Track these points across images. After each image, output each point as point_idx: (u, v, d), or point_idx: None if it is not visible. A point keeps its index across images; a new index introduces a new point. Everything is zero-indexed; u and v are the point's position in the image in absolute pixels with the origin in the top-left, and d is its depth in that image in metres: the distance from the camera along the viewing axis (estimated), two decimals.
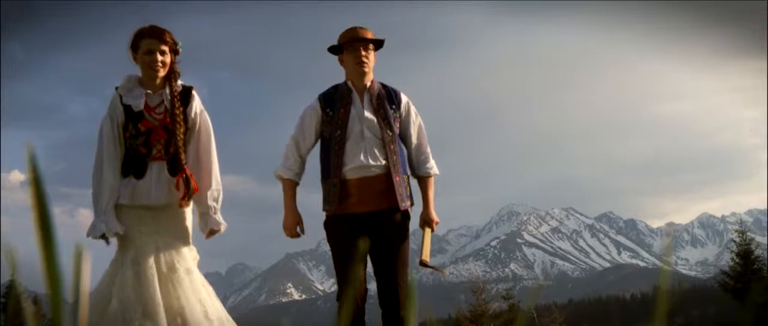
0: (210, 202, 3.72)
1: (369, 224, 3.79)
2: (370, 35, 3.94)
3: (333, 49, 4.00)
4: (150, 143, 3.61)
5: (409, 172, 3.97)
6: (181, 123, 3.64)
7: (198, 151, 3.73)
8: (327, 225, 3.91)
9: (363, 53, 3.88)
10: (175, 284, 3.47)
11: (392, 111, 3.92)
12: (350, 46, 3.91)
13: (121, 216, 3.55)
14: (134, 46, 3.66)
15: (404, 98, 4.01)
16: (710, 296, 78.16)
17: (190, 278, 3.54)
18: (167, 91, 3.68)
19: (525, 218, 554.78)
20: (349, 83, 3.94)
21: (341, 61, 3.99)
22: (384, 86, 4.00)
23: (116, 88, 3.68)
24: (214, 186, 3.72)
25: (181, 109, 3.65)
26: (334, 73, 4.16)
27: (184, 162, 3.62)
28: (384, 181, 3.84)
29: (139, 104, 3.61)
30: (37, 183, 0.75)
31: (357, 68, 3.89)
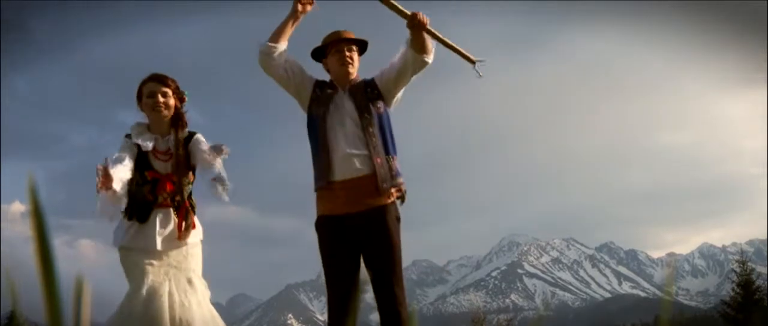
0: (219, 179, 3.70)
1: (358, 231, 3.77)
2: (352, 36, 4.00)
3: (316, 53, 4.04)
4: (156, 192, 3.69)
5: (391, 153, 3.90)
6: (185, 169, 3.73)
7: (204, 160, 3.73)
8: (318, 226, 3.91)
9: (347, 54, 3.94)
10: (185, 312, 3.50)
11: (369, 92, 3.93)
12: (334, 47, 3.96)
13: (126, 258, 3.61)
14: (139, 96, 3.76)
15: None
16: None
17: (201, 310, 3.58)
18: (172, 137, 3.76)
19: (526, 248, 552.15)
20: (334, 82, 3.97)
21: (325, 66, 4.04)
22: (364, 79, 4.02)
23: (127, 135, 3.74)
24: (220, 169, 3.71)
25: (184, 154, 3.73)
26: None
27: (189, 208, 3.72)
28: (370, 183, 3.80)
29: (148, 145, 3.68)
30: (37, 214, 0.75)
31: (341, 69, 3.94)
